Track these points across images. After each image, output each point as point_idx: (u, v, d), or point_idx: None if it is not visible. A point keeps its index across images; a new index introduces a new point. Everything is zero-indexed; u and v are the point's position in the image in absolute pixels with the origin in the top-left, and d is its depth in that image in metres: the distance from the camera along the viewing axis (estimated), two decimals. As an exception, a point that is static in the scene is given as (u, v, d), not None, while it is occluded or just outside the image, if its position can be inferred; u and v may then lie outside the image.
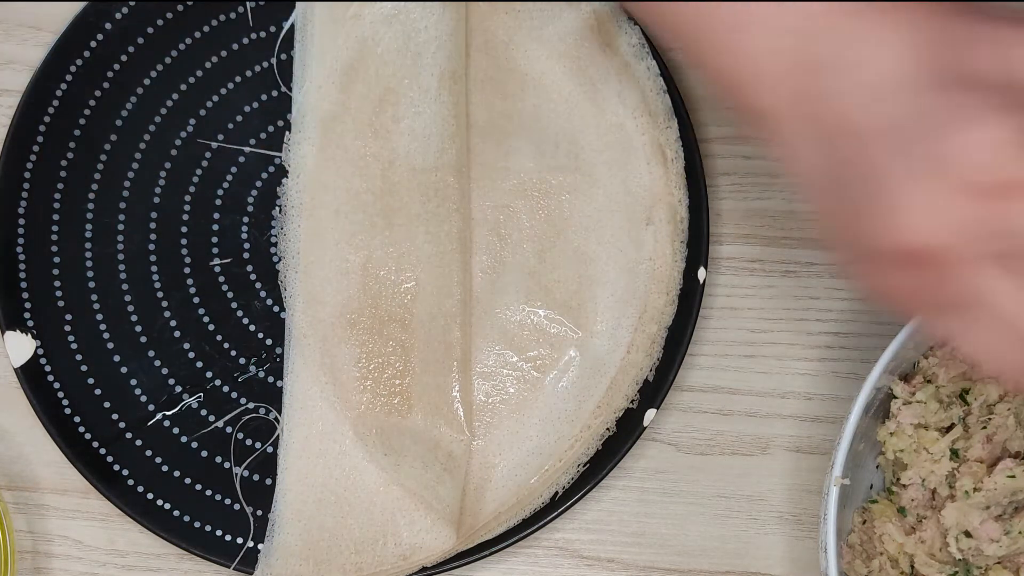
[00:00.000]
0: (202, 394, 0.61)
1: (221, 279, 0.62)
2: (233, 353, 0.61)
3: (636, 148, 0.61)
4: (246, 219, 0.62)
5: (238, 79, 0.63)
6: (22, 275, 0.61)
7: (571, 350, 0.60)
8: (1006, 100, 0.38)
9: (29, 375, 0.60)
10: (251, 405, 0.60)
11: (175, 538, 0.58)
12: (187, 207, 0.62)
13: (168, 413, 0.60)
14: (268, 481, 0.59)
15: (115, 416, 0.60)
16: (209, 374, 0.61)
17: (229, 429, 0.60)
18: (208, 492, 0.59)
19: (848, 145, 0.41)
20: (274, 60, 0.63)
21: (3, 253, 0.61)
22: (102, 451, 0.59)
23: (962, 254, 0.38)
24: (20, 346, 0.60)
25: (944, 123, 0.38)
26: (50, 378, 0.60)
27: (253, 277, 0.62)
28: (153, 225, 0.62)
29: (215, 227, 0.62)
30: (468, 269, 0.61)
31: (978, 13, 0.40)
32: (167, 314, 0.61)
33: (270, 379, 0.61)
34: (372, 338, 0.60)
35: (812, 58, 0.41)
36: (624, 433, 0.59)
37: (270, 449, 0.60)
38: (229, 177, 0.63)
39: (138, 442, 0.60)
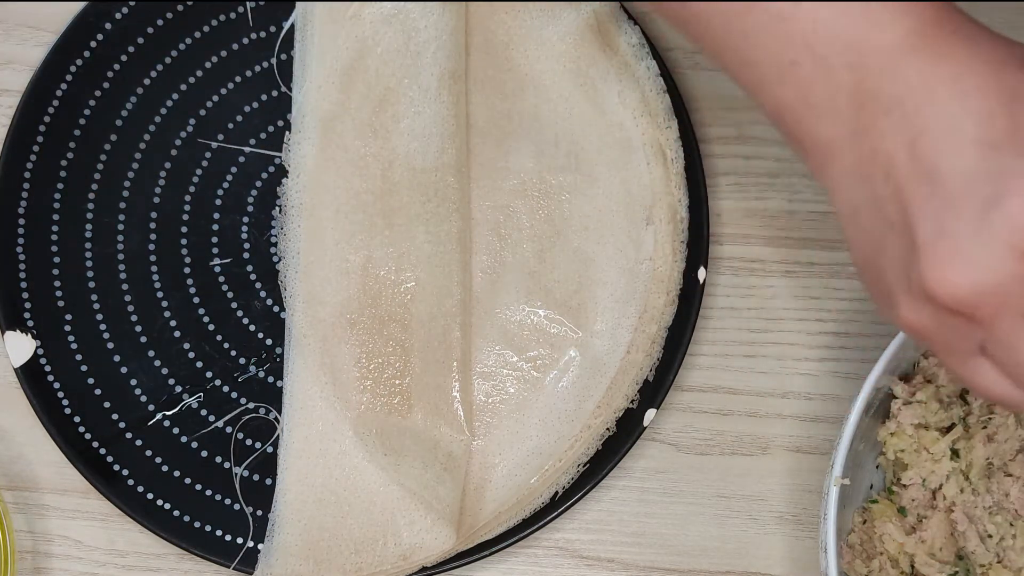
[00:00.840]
0: (202, 394, 0.60)
1: (221, 279, 0.62)
2: (233, 353, 0.61)
3: (636, 148, 0.61)
4: (246, 219, 0.62)
5: (238, 79, 0.63)
6: (22, 275, 0.61)
7: (571, 350, 0.60)
8: None
9: (29, 375, 0.60)
10: (251, 405, 0.60)
11: (175, 538, 0.58)
12: (187, 207, 0.62)
13: (168, 413, 0.60)
14: (268, 481, 0.59)
15: (115, 416, 0.60)
16: (209, 374, 0.61)
17: (229, 429, 0.60)
18: (208, 492, 0.59)
19: (889, 189, 0.41)
20: (274, 60, 0.63)
21: (3, 253, 0.61)
22: (102, 451, 0.59)
23: (994, 313, 0.39)
24: (20, 346, 0.60)
25: (995, 186, 0.38)
26: (50, 378, 0.60)
27: (253, 277, 0.62)
28: (153, 225, 0.62)
29: (215, 227, 0.62)
30: (468, 269, 0.61)
31: None
32: (167, 314, 0.61)
33: (270, 379, 0.61)
34: (372, 338, 0.60)
35: (871, 96, 0.40)
36: (624, 433, 0.59)
37: (270, 449, 0.60)
38: (229, 177, 0.63)
39: (138, 442, 0.60)
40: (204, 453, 0.60)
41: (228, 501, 0.59)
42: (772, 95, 0.43)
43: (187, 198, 0.62)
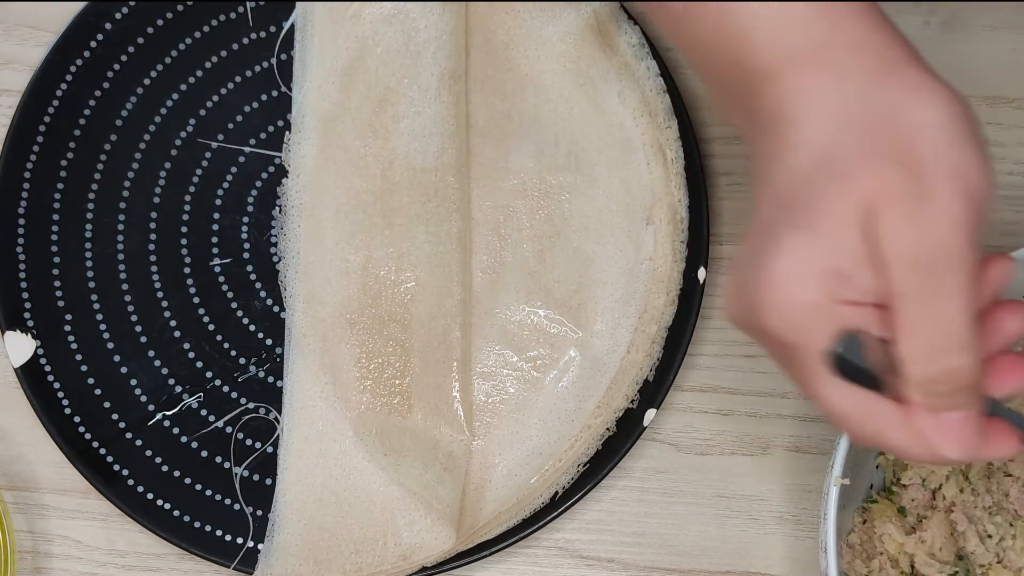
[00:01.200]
0: (202, 394, 0.61)
1: (221, 279, 0.62)
2: (233, 353, 0.61)
3: (636, 148, 0.61)
4: (246, 219, 0.62)
5: (238, 79, 0.63)
6: (22, 275, 0.61)
7: (571, 350, 0.60)
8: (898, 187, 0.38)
9: (29, 375, 0.60)
10: (251, 405, 0.60)
11: (175, 538, 0.58)
12: (187, 207, 0.62)
13: (168, 413, 0.60)
14: (268, 481, 0.59)
15: (115, 416, 0.60)
16: (209, 374, 0.61)
17: (229, 429, 0.60)
18: (208, 492, 0.59)
19: (756, 195, 0.42)
20: (274, 60, 0.63)
21: (3, 253, 0.61)
22: (102, 451, 0.59)
23: (806, 342, 0.40)
24: (20, 346, 0.60)
25: (766, 247, 0.39)
26: (50, 378, 0.60)
27: (253, 277, 0.62)
28: (153, 225, 0.62)
29: (215, 227, 0.62)
30: (468, 269, 0.61)
31: (913, 89, 0.39)
32: (167, 314, 0.61)
33: (270, 379, 0.61)
34: (372, 338, 0.60)
35: (753, 111, 0.42)
36: (624, 433, 0.59)
37: (270, 449, 0.60)
38: (229, 177, 0.63)
39: (138, 442, 0.60)
40: (204, 453, 0.60)
41: (228, 501, 0.59)
42: (710, 89, 0.46)
43: (187, 198, 0.62)
